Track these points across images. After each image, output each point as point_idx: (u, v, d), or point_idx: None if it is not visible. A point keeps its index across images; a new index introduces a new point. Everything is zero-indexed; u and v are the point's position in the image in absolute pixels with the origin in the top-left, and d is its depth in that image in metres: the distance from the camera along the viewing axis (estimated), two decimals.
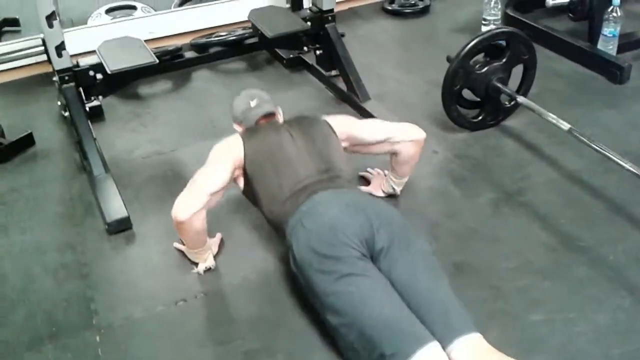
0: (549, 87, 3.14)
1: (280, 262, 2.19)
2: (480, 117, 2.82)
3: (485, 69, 2.68)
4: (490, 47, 2.67)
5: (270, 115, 2.29)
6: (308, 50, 3.33)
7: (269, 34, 2.92)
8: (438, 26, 4.03)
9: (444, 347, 1.60)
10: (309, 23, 3.14)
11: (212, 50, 3.68)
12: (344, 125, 2.28)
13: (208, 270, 2.18)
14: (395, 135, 2.26)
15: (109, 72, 2.64)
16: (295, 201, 1.97)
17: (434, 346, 1.58)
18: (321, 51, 3.26)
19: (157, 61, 2.72)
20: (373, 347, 1.62)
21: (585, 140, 2.33)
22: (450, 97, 2.70)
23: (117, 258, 2.30)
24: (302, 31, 3.06)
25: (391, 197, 2.45)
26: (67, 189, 2.68)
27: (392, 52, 3.75)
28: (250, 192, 2.17)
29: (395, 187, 2.42)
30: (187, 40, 3.82)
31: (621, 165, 2.17)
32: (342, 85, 3.19)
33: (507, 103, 2.81)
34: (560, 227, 2.26)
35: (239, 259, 2.24)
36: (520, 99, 2.60)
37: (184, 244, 2.27)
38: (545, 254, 2.15)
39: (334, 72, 3.28)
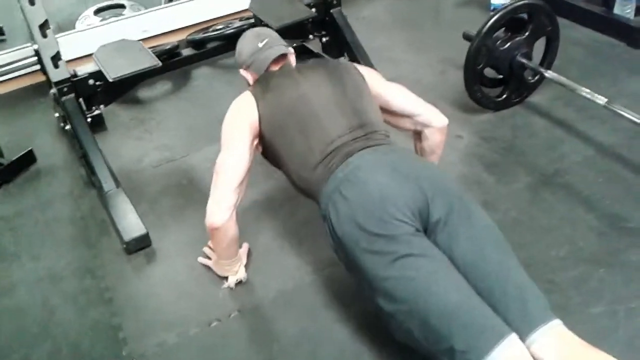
0: (568, 57, 3.00)
1: (314, 269, 2.06)
2: (504, 96, 2.68)
3: (508, 44, 2.54)
4: (511, 21, 2.52)
5: (283, 56, 2.02)
6: (313, 38, 3.16)
7: (274, 24, 2.75)
8: (443, 1, 3.87)
9: (522, 339, 1.42)
10: (313, 9, 2.97)
11: (210, 45, 3.49)
12: (375, 80, 2.01)
13: (239, 283, 2.04)
14: (423, 113, 2.05)
15: (110, 80, 2.47)
16: (328, 165, 1.74)
17: (512, 340, 1.39)
18: (328, 38, 3.10)
19: (160, 64, 2.56)
20: (438, 339, 1.44)
21: (624, 113, 2.20)
22: (474, 77, 2.56)
23: (140, 279, 2.16)
24: (308, 19, 2.89)
25: None
26: (76, 207, 2.52)
27: (400, 33, 3.58)
28: (271, 155, 1.95)
29: None
30: (182, 36, 3.65)
31: None
32: None
33: (530, 78, 2.67)
34: (605, 208, 2.14)
35: (271, 269, 2.10)
36: (549, 74, 2.46)
37: (209, 258, 2.14)
38: (595, 239, 2.03)
39: (342, 60, 3.12)
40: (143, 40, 3.48)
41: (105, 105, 2.76)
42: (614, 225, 2.07)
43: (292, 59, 2.06)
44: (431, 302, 1.46)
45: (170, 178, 2.62)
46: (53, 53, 2.42)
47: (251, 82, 2.04)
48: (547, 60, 2.68)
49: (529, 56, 2.57)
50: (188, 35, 3.57)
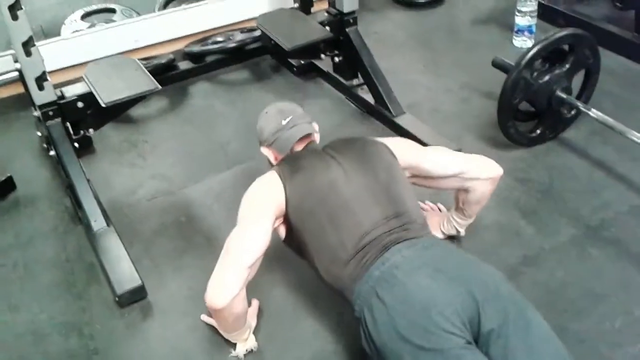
0: (602, 89, 2.75)
1: (336, 337, 1.80)
2: (538, 131, 2.44)
3: (547, 77, 2.30)
4: (552, 52, 2.28)
5: (307, 135, 1.88)
6: (325, 57, 2.89)
7: (287, 46, 2.49)
8: (458, 17, 3.63)
9: None
10: (327, 28, 2.71)
11: (209, 59, 3.22)
12: (406, 151, 1.85)
13: (249, 352, 1.78)
14: (469, 170, 1.84)
15: (103, 105, 2.18)
16: (362, 261, 1.57)
17: None
18: (341, 58, 2.83)
19: (159, 87, 2.27)
20: None
21: None
22: (508, 112, 2.32)
23: (135, 340, 1.88)
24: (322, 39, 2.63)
25: (451, 238, 2.07)
26: (61, 246, 2.23)
27: (413, 52, 3.32)
28: (295, 243, 1.76)
29: (459, 229, 2.03)
30: (177, 47, 3.36)
31: None
32: (367, 97, 2.78)
33: (566, 112, 2.43)
34: None
35: (285, 335, 1.84)
36: (594, 113, 2.23)
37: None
38: None
39: (355, 82, 2.87)
40: (135, 51, 3.22)
41: (95, 130, 2.46)
42: None
43: (317, 137, 1.93)
44: None
45: (167, 214, 2.34)
46: (38, 74, 2.12)
47: (273, 161, 1.90)
48: (586, 94, 2.45)
49: (569, 91, 2.33)
50: (185, 47, 3.29)
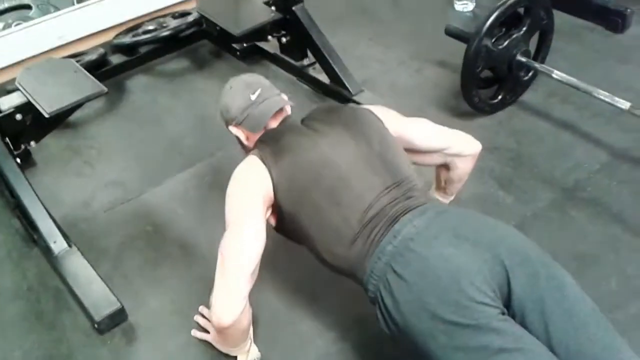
0: (552, 47, 2.78)
1: (339, 334, 1.74)
2: (499, 97, 2.43)
3: (506, 42, 2.27)
4: (509, 16, 2.26)
5: (281, 110, 1.71)
6: (272, 39, 2.75)
7: (235, 31, 2.35)
8: None
9: None
10: (272, 7, 2.57)
11: (143, 50, 3.01)
12: (392, 119, 1.70)
13: None
14: (453, 145, 1.77)
15: (46, 115, 1.98)
16: (370, 237, 1.44)
17: None
18: (288, 38, 2.71)
19: (106, 90, 2.08)
20: None
21: None
22: (472, 81, 2.29)
23: None
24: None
25: None
26: (19, 274, 2.04)
27: (359, 26, 3.22)
28: (290, 230, 1.61)
29: None
30: (105, 39, 3.14)
31: None
32: (321, 77, 2.68)
33: (524, 76, 2.43)
34: None
35: (286, 340, 1.75)
36: (557, 74, 2.23)
37: (205, 330, 1.76)
38: None
39: (306, 61, 2.76)
40: (60, 48, 2.98)
41: (37, 142, 2.25)
42: None
43: (289, 109, 1.76)
44: None
45: (131, 225, 2.18)
46: None
47: (244, 140, 1.73)
48: (541, 55, 2.46)
49: (528, 54, 2.33)
50: (114, 39, 3.07)
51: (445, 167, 1.84)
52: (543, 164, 2.22)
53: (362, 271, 1.45)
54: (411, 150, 1.74)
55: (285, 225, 1.61)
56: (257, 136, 1.68)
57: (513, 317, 1.30)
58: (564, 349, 1.25)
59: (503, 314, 1.28)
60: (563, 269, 1.36)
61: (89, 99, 2.06)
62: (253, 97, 1.66)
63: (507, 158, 2.25)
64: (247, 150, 1.74)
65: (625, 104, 2.03)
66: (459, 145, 1.79)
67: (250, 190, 1.55)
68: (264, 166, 1.55)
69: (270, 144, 1.60)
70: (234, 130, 1.72)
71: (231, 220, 1.53)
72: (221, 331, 1.52)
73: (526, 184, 2.15)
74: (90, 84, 2.10)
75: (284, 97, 1.74)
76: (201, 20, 2.93)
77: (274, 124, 1.69)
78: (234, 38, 2.59)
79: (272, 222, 1.64)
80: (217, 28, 2.55)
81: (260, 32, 2.60)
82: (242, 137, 1.72)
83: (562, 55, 2.71)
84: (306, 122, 1.67)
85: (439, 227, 1.40)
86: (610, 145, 2.26)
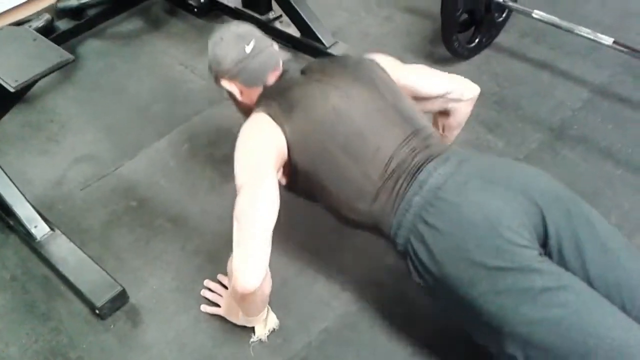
0: None
1: (356, 293, 1.71)
2: (476, 41, 2.40)
3: None
4: None
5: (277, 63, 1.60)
6: None
7: None
8: None
9: None
10: None
11: (92, 12, 2.80)
12: (394, 68, 1.64)
13: (272, 332, 1.63)
14: (454, 90, 1.72)
15: (11, 90, 1.80)
16: (394, 189, 1.40)
17: None
18: None
19: (73, 58, 1.91)
20: None
21: (630, 51, 2.03)
22: (452, 26, 2.25)
23: (134, 352, 1.65)
24: None
25: None
26: (0, 265, 1.89)
27: None
28: (304, 188, 1.55)
29: None
30: (47, 3, 2.88)
31: None
32: (290, 30, 2.57)
33: (498, 17, 2.41)
34: (630, 158, 2.00)
35: (302, 305, 1.71)
36: (537, 14, 2.20)
37: (215, 304, 1.70)
38: (638, 198, 1.88)
39: (272, 15, 2.63)
40: None
41: None
42: None
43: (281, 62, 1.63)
44: (592, 344, 1.18)
45: (112, 202, 2.05)
46: None
47: (238, 95, 1.61)
48: None
49: None
50: (59, 2, 2.81)
51: (445, 113, 1.80)
52: (527, 106, 2.22)
53: (387, 225, 1.42)
54: (414, 98, 1.68)
55: (298, 183, 1.54)
56: (253, 91, 1.58)
57: (549, 256, 1.31)
58: (602, 282, 1.27)
59: (541, 254, 1.28)
60: (589, 205, 1.36)
61: (56, 69, 1.86)
62: (248, 49, 1.53)
63: (491, 102, 2.25)
64: (241, 107, 1.65)
65: (608, 40, 2.04)
66: (460, 89, 1.74)
67: (262, 149, 1.46)
68: (274, 123, 1.46)
69: (277, 99, 1.50)
70: (226, 84, 1.60)
71: (243, 183, 1.43)
72: (244, 298, 1.43)
73: (514, 126, 2.15)
74: (55, 53, 1.91)
75: (277, 47, 1.62)
76: None
77: (272, 78, 1.58)
78: None
79: (283, 181, 1.56)
80: None
81: None
82: (237, 93, 1.60)
83: None
84: (309, 75, 1.57)
85: (466, 174, 1.37)
86: (589, 81, 2.29)
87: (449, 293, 1.32)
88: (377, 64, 1.60)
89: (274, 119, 1.47)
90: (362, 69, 1.56)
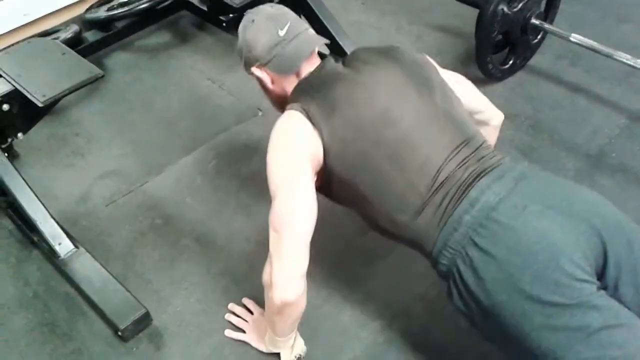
0: None
1: (384, 322, 1.66)
2: (509, 63, 2.34)
3: (520, 5, 2.17)
4: None
5: (314, 50, 1.48)
6: None
7: (234, 2, 2.17)
8: None
9: None
10: None
11: (120, 24, 2.78)
12: (444, 72, 1.54)
13: (298, 359, 1.58)
14: (486, 109, 1.66)
15: (39, 104, 1.79)
16: (441, 204, 1.31)
17: None
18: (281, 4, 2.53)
19: (103, 74, 1.90)
20: None
21: None
22: (488, 47, 2.20)
23: None
24: None
25: None
26: (22, 281, 1.87)
27: None
28: (339, 193, 1.44)
29: None
30: (75, 14, 2.89)
31: None
32: None
33: (533, 39, 2.35)
34: None
35: (327, 333, 1.66)
36: (575, 37, 2.15)
37: (240, 329, 1.65)
38: None
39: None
40: (26, 27, 2.73)
41: (25, 133, 2.05)
42: None
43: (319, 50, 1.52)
44: None
45: (137, 219, 2.02)
46: None
47: (269, 83, 1.50)
48: (550, 17, 2.37)
49: (542, 16, 2.24)
50: (86, 13, 2.82)
51: None
52: (563, 131, 2.16)
53: (431, 242, 1.33)
54: None
55: (333, 189, 1.44)
56: (285, 81, 1.47)
57: (605, 288, 1.23)
58: None
59: (599, 289, 1.21)
60: None
61: (85, 84, 1.86)
62: (282, 33, 1.41)
63: (526, 126, 2.19)
64: (272, 96, 1.55)
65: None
66: (490, 110, 1.68)
67: (297, 151, 1.35)
68: (311, 125, 1.35)
69: (315, 96, 1.38)
70: (257, 72, 1.48)
71: (278, 189, 1.34)
72: (281, 311, 1.37)
73: (549, 152, 2.09)
74: (84, 67, 1.91)
75: (313, 32, 1.50)
76: None
77: (307, 67, 1.46)
78: (225, 9, 2.41)
79: (316, 185, 1.44)
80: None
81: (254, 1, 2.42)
82: (267, 81, 1.50)
83: (564, 16, 2.64)
84: (354, 68, 1.43)
85: (524, 195, 1.27)
86: (626, 107, 2.22)
87: (497, 324, 1.24)
88: (432, 64, 1.51)
89: (311, 119, 1.35)
90: (415, 67, 1.44)
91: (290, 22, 1.44)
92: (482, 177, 1.31)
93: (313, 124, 1.35)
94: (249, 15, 1.49)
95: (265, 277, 1.37)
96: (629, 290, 1.22)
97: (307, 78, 1.44)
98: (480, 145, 1.39)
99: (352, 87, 1.38)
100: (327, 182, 1.42)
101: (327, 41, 1.51)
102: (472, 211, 1.27)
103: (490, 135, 1.71)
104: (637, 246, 1.23)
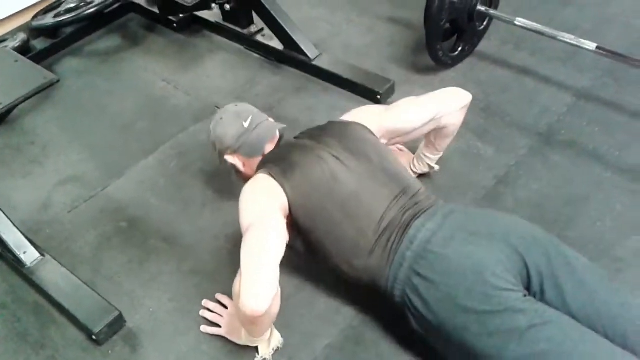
0: None
1: (359, 308, 1.70)
2: (459, 49, 2.42)
3: None
4: None
5: (274, 135, 1.77)
6: (214, 7, 2.59)
7: (187, 2, 2.17)
8: None
9: None
10: None
11: (68, 30, 2.75)
12: (377, 120, 1.77)
13: (276, 351, 1.61)
14: (442, 109, 1.79)
15: None
16: (387, 245, 1.50)
17: None
18: (233, 4, 2.55)
19: (58, 79, 1.88)
20: None
21: (614, 56, 2.07)
22: (437, 35, 2.26)
23: None
24: None
25: (422, 176, 2.02)
26: None
27: None
28: (305, 246, 1.62)
29: (432, 164, 1.98)
30: (21, 23, 2.83)
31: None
32: (272, 43, 2.56)
33: (479, 25, 2.44)
34: (619, 160, 2.02)
35: (304, 322, 1.69)
36: (520, 21, 2.23)
37: (216, 324, 1.67)
38: (629, 200, 1.90)
39: (254, 28, 2.62)
40: None
41: None
42: (637, 179, 1.96)
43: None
44: None
45: (102, 223, 2.01)
46: None
47: (241, 167, 1.76)
48: (494, 3, 2.45)
49: (487, 3, 2.32)
50: (33, 21, 2.77)
51: (441, 127, 1.83)
52: (513, 112, 2.24)
53: (384, 279, 1.51)
54: (408, 132, 1.81)
55: (297, 241, 1.61)
56: (254, 162, 1.71)
57: (534, 296, 1.40)
58: (584, 315, 1.37)
59: (525, 295, 1.38)
60: (564, 244, 1.48)
61: (41, 90, 1.84)
62: (246, 125, 1.70)
63: (478, 109, 2.25)
64: (243, 177, 1.75)
65: (591, 45, 2.07)
66: (447, 105, 1.82)
67: (267, 200, 1.54)
68: (276, 182, 1.56)
69: (277, 162, 1.61)
70: (229, 158, 1.74)
71: (249, 223, 1.46)
72: (254, 322, 1.42)
73: (502, 133, 2.17)
74: (38, 73, 1.89)
75: (272, 120, 1.78)
76: None
77: (270, 147, 1.73)
78: (175, 9, 2.41)
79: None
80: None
81: (202, 1, 2.43)
82: (239, 165, 1.75)
83: (507, 2, 2.73)
84: (304, 141, 1.68)
85: (451, 227, 1.48)
86: (572, 86, 2.32)
87: (446, 338, 1.41)
88: (362, 127, 1.71)
89: (275, 178, 1.56)
90: (350, 136, 1.67)
91: (252, 115, 1.73)
92: (418, 217, 1.52)
93: (277, 181, 1.56)
94: (218, 114, 1.78)
95: (236, 288, 1.41)
96: (553, 294, 1.39)
97: (269, 153, 1.71)
98: (417, 192, 1.61)
99: (305, 154, 1.61)
100: (294, 235, 1.58)
101: (284, 126, 1.78)
102: (412, 247, 1.47)
103: (458, 117, 1.85)
104: (553, 255, 1.42)
